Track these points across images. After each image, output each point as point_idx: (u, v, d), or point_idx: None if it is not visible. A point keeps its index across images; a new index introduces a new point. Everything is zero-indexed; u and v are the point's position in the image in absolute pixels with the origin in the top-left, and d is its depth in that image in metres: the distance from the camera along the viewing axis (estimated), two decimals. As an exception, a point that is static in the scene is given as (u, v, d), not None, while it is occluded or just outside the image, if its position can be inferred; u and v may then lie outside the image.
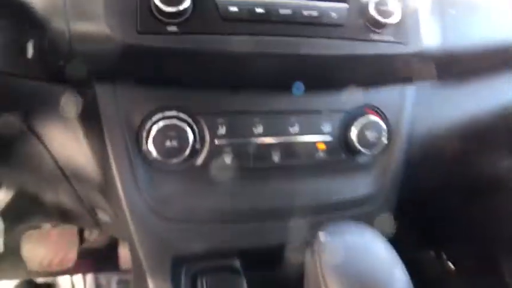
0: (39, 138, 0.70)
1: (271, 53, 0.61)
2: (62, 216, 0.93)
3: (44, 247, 1.18)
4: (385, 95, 0.74)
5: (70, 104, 0.66)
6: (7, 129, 0.69)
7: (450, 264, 1.12)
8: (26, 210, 0.98)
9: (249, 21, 0.59)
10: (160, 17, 0.57)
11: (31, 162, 0.74)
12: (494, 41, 0.82)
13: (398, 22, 0.65)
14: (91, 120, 0.65)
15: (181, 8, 0.56)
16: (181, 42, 0.58)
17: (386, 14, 0.64)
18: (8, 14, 0.59)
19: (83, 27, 0.56)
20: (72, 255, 1.29)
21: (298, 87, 0.68)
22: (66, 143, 0.69)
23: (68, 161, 0.71)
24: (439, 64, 0.76)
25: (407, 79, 0.76)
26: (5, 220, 0.99)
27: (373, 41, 0.65)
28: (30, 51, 0.62)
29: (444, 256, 1.15)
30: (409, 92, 0.73)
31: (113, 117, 0.63)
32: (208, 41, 0.59)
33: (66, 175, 0.74)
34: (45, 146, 0.70)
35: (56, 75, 0.63)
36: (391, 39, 0.66)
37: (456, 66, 0.79)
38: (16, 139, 0.71)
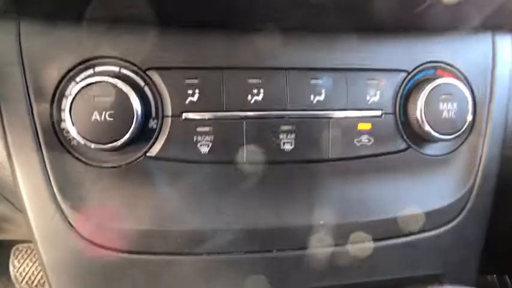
0: None
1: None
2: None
3: (31, 263, 1.08)
4: (466, 48, 0.45)
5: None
6: None
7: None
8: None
9: None
10: None
11: None
12: None
13: None
14: None
15: None
16: None
17: None
18: None
19: None
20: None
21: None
22: None
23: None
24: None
25: (500, 24, 0.47)
26: None
27: None
28: None
29: (508, 280, 0.98)
30: (503, 44, 0.48)
31: (13, 74, 0.37)
32: None
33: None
34: None
35: None
36: None
37: None
38: None
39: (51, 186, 0.38)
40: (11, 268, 0.99)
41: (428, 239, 0.43)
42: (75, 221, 0.38)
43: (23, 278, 1.02)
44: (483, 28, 0.47)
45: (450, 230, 0.44)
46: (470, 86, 0.46)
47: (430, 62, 0.44)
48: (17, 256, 1.02)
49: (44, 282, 1.02)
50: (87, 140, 0.36)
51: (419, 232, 0.43)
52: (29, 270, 1.02)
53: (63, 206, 0.38)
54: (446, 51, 0.45)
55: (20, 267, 1.01)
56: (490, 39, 0.47)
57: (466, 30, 0.45)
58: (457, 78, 0.45)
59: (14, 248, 1.02)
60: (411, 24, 0.43)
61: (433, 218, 0.44)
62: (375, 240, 0.42)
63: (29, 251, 1.03)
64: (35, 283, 1.02)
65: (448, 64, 0.45)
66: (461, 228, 0.44)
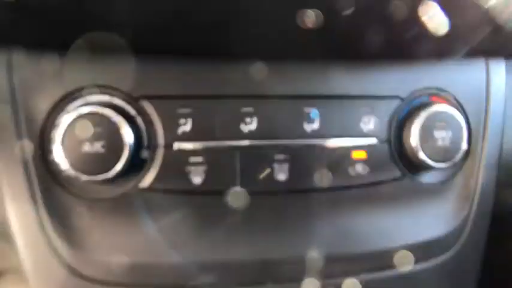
0: None
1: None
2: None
3: None
4: (460, 74, 0.45)
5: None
6: None
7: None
8: None
9: None
10: None
11: None
12: None
13: None
14: None
15: None
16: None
17: None
18: None
19: None
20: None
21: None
22: None
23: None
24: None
25: (496, 50, 0.47)
26: None
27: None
28: None
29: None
30: (497, 69, 0.48)
31: (2, 104, 0.37)
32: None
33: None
34: None
35: None
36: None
37: None
38: None
39: (41, 218, 0.37)
40: None
41: (424, 270, 0.43)
42: (66, 253, 0.37)
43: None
44: (476, 54, 0.47)
45: (446, 260, 0.43)
46: (465, 113, 0.45)
47: (425, 88, 0.44)
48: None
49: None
50: (77, 171, 0.36)
51: (415, 263, 0.42)
52: None
53: (53, 237, 0.37)
54: (440, 77, 0.45)
55: None
56: (484, 65, 0.47)
57: (459, 56, 0.45)
58: (452, 104, 0.45)
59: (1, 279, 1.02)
60: (404, 52, 0.42)
61: (429, 248, 0.43)
62: (370, 271, 0.41)
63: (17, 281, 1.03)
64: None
65: (442, 90, 0.45)
66: (457, 258, 0.44)
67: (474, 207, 0.45)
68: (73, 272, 0.37)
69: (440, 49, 0.43)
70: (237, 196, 0.39)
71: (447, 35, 0.39)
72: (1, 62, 0.37)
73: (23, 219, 0.37)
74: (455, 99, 0.45)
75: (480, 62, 0.47)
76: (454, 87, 0.45)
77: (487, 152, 0.46)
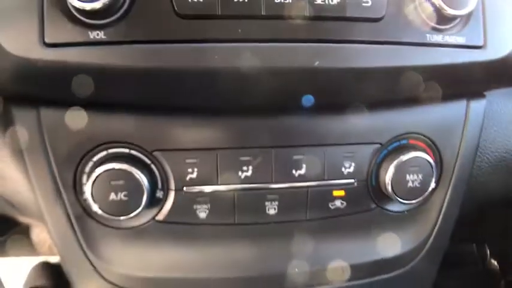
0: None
1: (262, 68, 0.38)
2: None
3: None
4: (438, 117, 0.50)
5: None
6: None
7: (494, 261, 1.00)
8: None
9: (221, 17, 0.36)
10: (78, 17, 0.35)
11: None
12: None
13: (470, 13, 0.40)
14: (18, 154, 0.46)
15: (108, 1, 0.34)
16: (113, 56, 0.36)
17: (453, 1, 0.39)
18: None
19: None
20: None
21: (308, 100, 0.45)
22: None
23: (8, 192, 0.55)
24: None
25: (476, 93, 0.51)
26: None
27: (432, 45, 0.40)
28: None
29: (488, 252, 1.03)
30: (476, 110, 0.52)
31: (38, 154, 0.45)
32: (157, 53, 0.37)
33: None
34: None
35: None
36: (461, 41, 0.41)
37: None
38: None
39: (79, 242, 0.47)
40: (33, 236, 1.04)
41: (387, 280, 0.53)
42: (100, 267, 0.48)
43: (44, 246, 1.06)
44: (457, 97, 0.51)
45: (405, 272, 0.53)
46: (439, 153, 0.51)
47: (403, 133, 0.50)
48: (38, 226, 1.03)
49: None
50: (106, 213, 0.45)
51: (381, 274, 0.53)
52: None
53: (90, 256, 0.48)
54: (419, 122, 0.50)
55: (41, 233, 1.05)
56: (465, 107, 0.51)
57: (439, 101, 0.49)
58: (428, 146, 0.50)
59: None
60: (384, 102, 0.47)
61: (392, 262, 0.53)
62: (345, 281, 0.51)
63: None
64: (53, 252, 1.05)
65: (420, 134, 0.50)
66: (414, 272, 0.54)
67: (436, 231, 0.54)
68: (108, 282, 0.48)
69: (420, 97, 0.47)
70: (234, 227, 0.48)
71: (427, 86, 0.44)
72: (31, 118, 0.44)
73: (67, 244, 0.47)
74: (432, 141, 0.51)
75: (461, 103, 0.51)
76: (431, 131, 0.50)
77: (455, 184, 0.53)
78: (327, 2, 0.37)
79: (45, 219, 0.47)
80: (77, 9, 0.35)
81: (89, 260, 0.48)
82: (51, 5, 0.35)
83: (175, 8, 0.36)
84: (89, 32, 0.35)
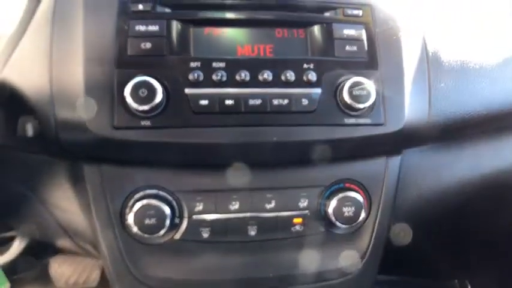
0: (42, 202, 0.78)
1: (243, 142, 0.64)
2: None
3: (69, 267, 1.28)
4: (366, 168, 0.74)
5: (66, 176, 0.73)
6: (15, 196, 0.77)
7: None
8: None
9: (219, 113, 0.62)
10: (135, 112, 0.61)
11: (36, 218, 0.82)
12: (495, 104, 0.78)
13: (373, 103, 0.65)
14: (83, 194, 0.71)
15: (153, 104, 0.59)
16: (155, 136, 0.62)
17: (359, 98, 0.64)
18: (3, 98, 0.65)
19: (66, 116, 0.61)
20: (95, 275, 1.40)
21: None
22: (65, 208, 0.76)
23: (67, 223, 0.79)
24: (427, 133, 0.74)
25: (391, 151, 0.75)
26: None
27: (348, 125, 0.65)
28: (29, 131, 0.68)
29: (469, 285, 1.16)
30: (393, 163, 0.72)
31: (99, 194, 0.69)
32: (181, 134, 0.62)
33: (67, 232, 0.82)
34: (47, 209, 0.78)
35: (52, 152, 0.69)
36: (368, 121, 0.66)
37: (446, 134, 0.77)
38: (23, 202, 0.79)
39: (122, 255, 0.70)
40: (51, 271, 1.13)
41: (334, 285, 0.74)
42: (136, 272, 0.71)
43: (61, 281, 1.13)
44: (379, 154, 0.75)
45: (349, 280, 0.75)
46: (368, 192, 0.74)
47: (341, 179, 0.73)
48: (56, 261, 1.15)
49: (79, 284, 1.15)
50: (142, 232, 0.68)
51: (330, 280, 0.74)
52: (66, 271, 1.14)
53: (130, 265, 0.71)
54: (352, 170, 0.73)
55: (59, 268, 1.15)
56: (384, 161, 0.75)
57: (365, 161, 0.74)
58: (359, 187, 0.74)
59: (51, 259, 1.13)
60: (327, 157, 0.72)
61: (338, 271, 0.75)
62: (302, 284, 0.73)
63: (66, 257, 1.14)
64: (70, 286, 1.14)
65: (353, 179, 0.74)
66: (357, 278, 0.75)
67: (370, 247, 0.76)
68: (141, 283, 0.71)
69: (352, 158, 0.72)
70: (228, 244, 0.71)
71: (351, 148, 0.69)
72: (96, 172, 0.69)
73: (115, 258, 0.70)
74: (362, 184, 0.74)
75: (382, 159, 0.75)
76: (362, 176, 0.73)
77: (381, 213, 0.76)
78: (280, 102, 0.63)
79: (99, 240, 0.70)
80: (134, 108, 0.60)
81: (129, 268, 0.71)
82: (118, 104, 0.61)
83: (192, 109, 0.61)
84: (141, 121, 0.61)
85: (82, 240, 0.82)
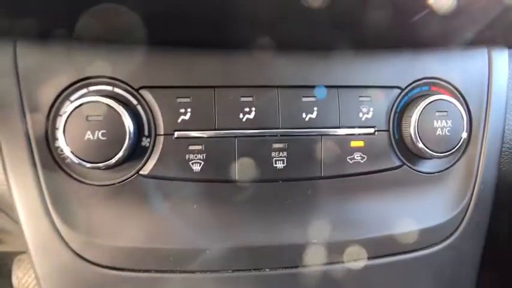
0: None
1: None
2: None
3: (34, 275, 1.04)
4: (461, 63, 0.45)
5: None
6: None
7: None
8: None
9: None
10: None
11: None
12: None
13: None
14: None
15: None
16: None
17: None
18: None
19: None
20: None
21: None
22: None
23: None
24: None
25: (494, 38, 0.46)
26: None
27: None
28: None
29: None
30: (500, 58, 0.47)
31: (9, 92, 0.38)
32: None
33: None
34: None
35: None
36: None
37: None
38: None
39: (45, 202, 0.38)
40: (13, 279, 0.98)
41: (424, 257, 0.43)
42: (68, 236, 0.39)
43: (26, 289, 0.98)
44: (478, 43, 0.46)
45: (446, 247, 0.44)
46: (466, 102, 0.45)
47: (425, 78, 0.44)
48: (20, 266, 1.00)
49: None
50: (80, 159, 0.37)
51: (415, 250, 0.43)
52: (32, 281, 0.99)
53: (56, 221, 0.39)
54: (441, 67, 0.45)
55: (23, 277, 0.99)
56: (486, 54, 0.47)
57: (460, 45, 0.45)
58: (452, 94, 0.45)
59: (16, 259, 1.01)
60: (405, 39, 0.42)
61: (429, 235, 0.43)
62: (369, 258, 0.42)
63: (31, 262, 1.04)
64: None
65: (443, 80, 0.45)
66: (457, 245, 0.44)
67: (475, 196, 0.45)
68: (75, 254, 0.38)
69: (442, 38, 0.43)
70: (235, 184, 0.40)
71: (449, 22, 0.39)
72: (7, 52, 0.38)
73: (28, 203, 0.38)
74: (456, 89, 0.45)
75: (482, 51, 0.47)
76: (454, 77, 0.45)
77: (489, 140, 0.46)
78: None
79: (7, 175, 0.39)
80: None
81: (53, 222, 0.39)
82: None
83: None
84: None
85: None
